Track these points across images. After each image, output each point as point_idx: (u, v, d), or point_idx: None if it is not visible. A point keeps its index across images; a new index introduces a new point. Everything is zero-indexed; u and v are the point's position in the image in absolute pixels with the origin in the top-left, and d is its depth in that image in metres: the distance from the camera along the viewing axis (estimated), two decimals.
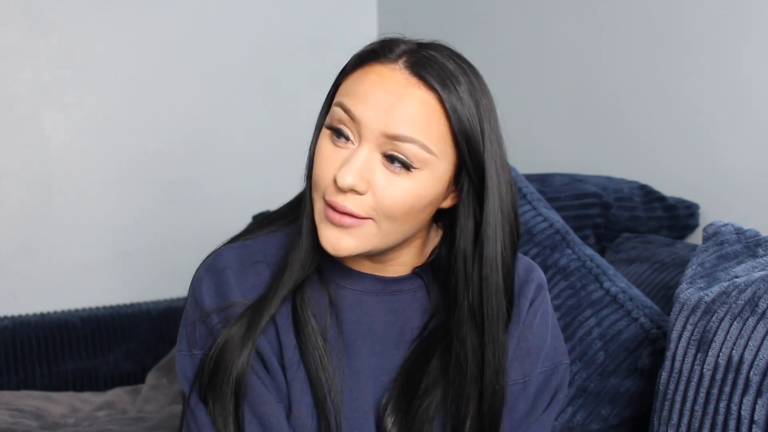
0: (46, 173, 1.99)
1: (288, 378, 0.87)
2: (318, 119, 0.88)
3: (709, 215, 1.54)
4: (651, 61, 1.63)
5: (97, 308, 1.98)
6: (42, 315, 1.90)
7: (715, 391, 0.93)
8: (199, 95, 2.18)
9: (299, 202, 0.92)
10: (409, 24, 2.32)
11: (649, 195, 1.57)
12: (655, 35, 1.61)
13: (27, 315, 1.89)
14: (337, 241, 0.82)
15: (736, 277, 1.00)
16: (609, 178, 1.60)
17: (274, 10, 2.27)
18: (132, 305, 2.03)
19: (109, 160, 2.07)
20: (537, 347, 0.93)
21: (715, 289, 0.98)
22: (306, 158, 0.89)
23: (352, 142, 0.81)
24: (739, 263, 1.03)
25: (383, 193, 0.80)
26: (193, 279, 0.92)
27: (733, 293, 0.96)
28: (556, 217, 1.33)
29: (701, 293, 1.00)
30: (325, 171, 0.82)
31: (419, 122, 0.80)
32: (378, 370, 0.89)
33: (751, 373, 0.90)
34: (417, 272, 0.92)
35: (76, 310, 1.95)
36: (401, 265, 0.92)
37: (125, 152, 2.08)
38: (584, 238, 1.49)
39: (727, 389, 0.92)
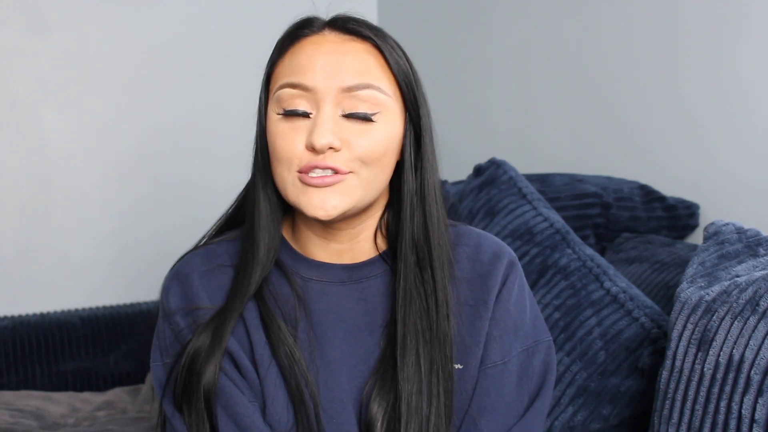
0: (45, 173, 1.99)
1: (260, 374, 0.87)
2: (258, 119, 0.91)
3: (709, 215, 1.54)
4: (651, 61, 1.63)
5: (97, 308, 1.98)
6: (42, 315, 1.90)
7: (715, 390, 0.93)
8: (200, 94, 2.18)
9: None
10: (409, 23, 2.33)
11: (649, 195, 1.57)
12: (656, 35, 1.62)
13: (27, 315, 1.89)
14: (325, 201, 0.83)
15: (737, 276, 1.00)
16: (609, 178, 1.60)
17: (273, 10, 2.27)
18: (132, 305, 2.03)
19: (110, 160, 2.07)
20: (515, 326, 0.92)
21: (716, 289, 0.98)
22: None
23: (310, 114, 0.84)
24: (740, 263, 1.03)
25: (357, 143, 0.84)
26: (161, 289, 0.93)
27: (734, 292, 0.96)
28: (556, 217, 1.33)
29: (702, 292, 1.00)
30: (290, 145, 0.84)
31: (367, 69, 0.85)
32: (353, 359, 0.89)
33: (752, 372, 0.90)
34: (382, 256, 0.93)
35: (76, 310, 1.95)
36: (365, 241, 0.93)
37: (125, 152, 2.08)
38: (584, 238, 1.49)
39: (727, 388, 0.92)
